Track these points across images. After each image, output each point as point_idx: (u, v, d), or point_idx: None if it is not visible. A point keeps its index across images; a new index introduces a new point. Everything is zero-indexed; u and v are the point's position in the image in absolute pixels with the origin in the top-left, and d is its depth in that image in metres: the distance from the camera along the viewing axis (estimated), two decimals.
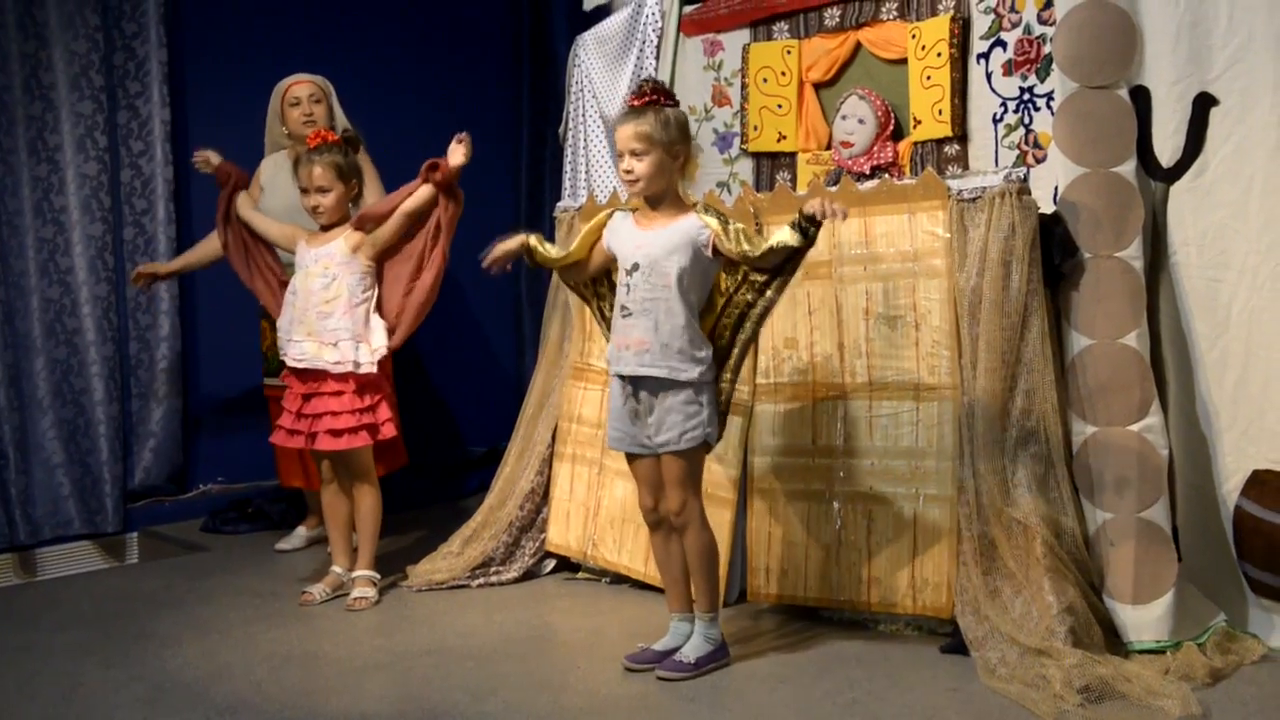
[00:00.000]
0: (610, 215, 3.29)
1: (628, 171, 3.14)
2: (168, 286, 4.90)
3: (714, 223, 3.09)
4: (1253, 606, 3.31)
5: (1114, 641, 3.18)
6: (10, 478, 4.38)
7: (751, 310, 3.18)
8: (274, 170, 4.61)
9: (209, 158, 4.15)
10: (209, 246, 4.46)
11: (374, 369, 3.88)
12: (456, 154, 3.85)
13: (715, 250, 3.10)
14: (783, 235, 3.00)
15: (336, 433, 3.85)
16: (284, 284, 4.07)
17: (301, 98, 4.52)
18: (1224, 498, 3.34)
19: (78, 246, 4.59)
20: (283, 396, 4.44)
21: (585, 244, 3.31)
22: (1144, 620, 3.20)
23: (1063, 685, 2.88)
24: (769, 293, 3.16)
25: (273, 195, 4.54)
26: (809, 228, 2.98)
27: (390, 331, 3.94)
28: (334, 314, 3.84)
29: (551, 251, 3.34)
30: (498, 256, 3.34)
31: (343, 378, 3.85)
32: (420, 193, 3.90)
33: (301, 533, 4.73)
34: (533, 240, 3.33)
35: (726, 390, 3.24)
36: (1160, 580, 3.22)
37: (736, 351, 3.22)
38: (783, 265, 3.08)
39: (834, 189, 3.62)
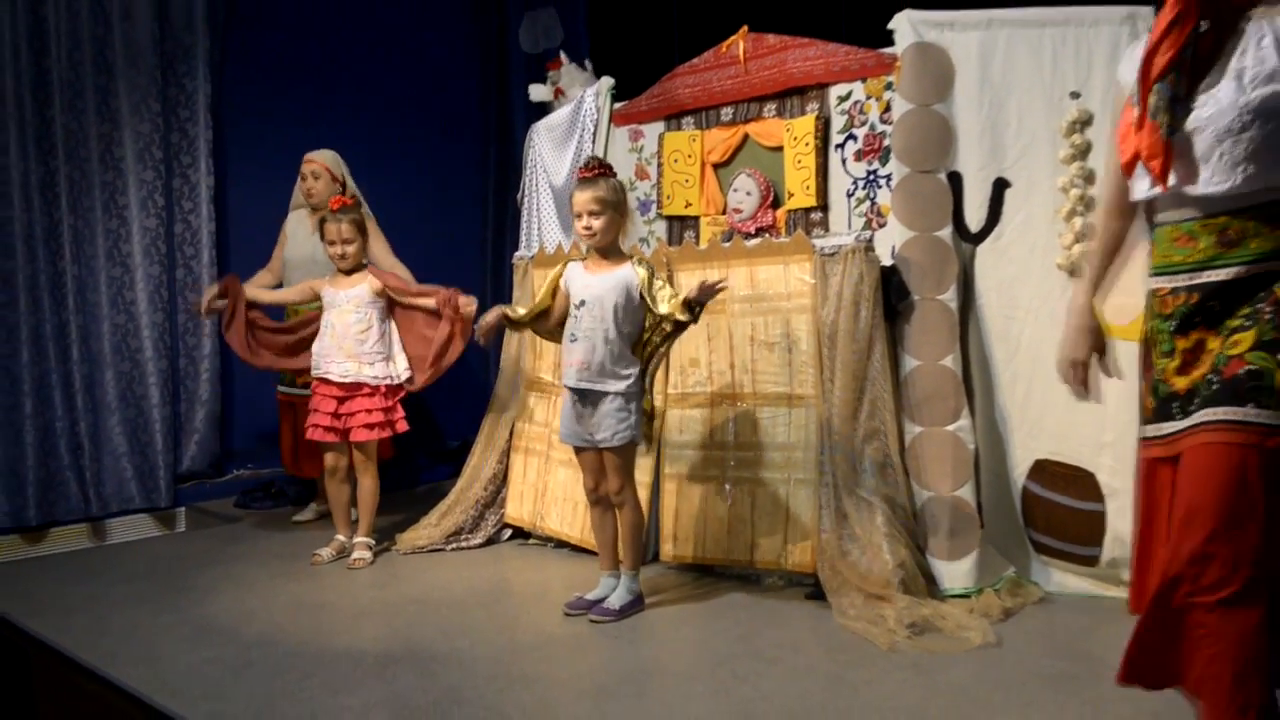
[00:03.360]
0: (566, 265, 3.27)
1: (587, 228, 3.10)
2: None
3: (643, 273, 3.11)
4: (1034, 561, 3.39)
5: (933, 588, 3.23)
6: (85, 463, 4.33)
7: (659, 349, 3.23)
8: (296, 225, 4.59)
9: (209, 300, 4.03)
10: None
11: (405, 376, 3.96)
12: (469, 305, 3.94)
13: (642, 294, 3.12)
14: (676, 307, 3.04)
15: (370, 426, 3.88)
16: (287, 347, 4.09)
17: (305, 174, 4.48)
18: (1014, 480, 3.41)
19: (140, 284, 4.53)
20: (294, 401, 4.40)
21: (548, 291, 3.26)
22: (955, 572, 3.26)
23: (895, 622, 2.94)
24: (668, 343, 3.23)
25: (295, 246, 4.54)
26: (695, 307, 3.04)
27: (410, 373, 4.01)
28: (369, 340, 3.90)
29: (522, 312, 3.27)
30: (484, 330, 3.26)
31: (375, 386, 3.90)
32: (431, 304, 3.96)
33: (313, 508, 4.71)
34: (507, 310, 3.28)
35: (649, 400, 3.25)
36: (967, 542, 3.28)
37: (650, 369, 3.25)
38: (680, 325, 3.12)
39: (727, 245, 3.64)
